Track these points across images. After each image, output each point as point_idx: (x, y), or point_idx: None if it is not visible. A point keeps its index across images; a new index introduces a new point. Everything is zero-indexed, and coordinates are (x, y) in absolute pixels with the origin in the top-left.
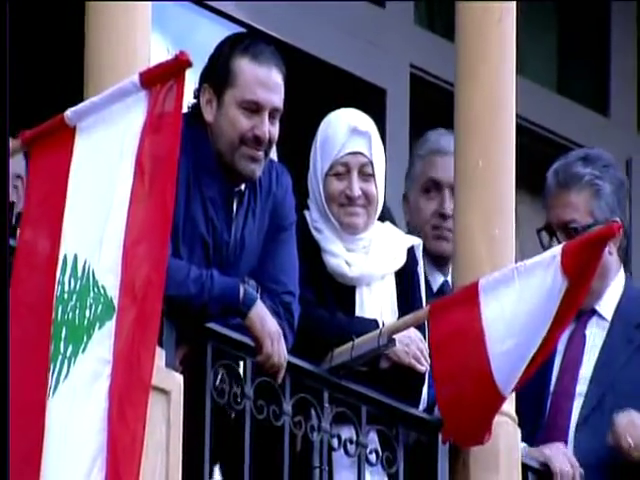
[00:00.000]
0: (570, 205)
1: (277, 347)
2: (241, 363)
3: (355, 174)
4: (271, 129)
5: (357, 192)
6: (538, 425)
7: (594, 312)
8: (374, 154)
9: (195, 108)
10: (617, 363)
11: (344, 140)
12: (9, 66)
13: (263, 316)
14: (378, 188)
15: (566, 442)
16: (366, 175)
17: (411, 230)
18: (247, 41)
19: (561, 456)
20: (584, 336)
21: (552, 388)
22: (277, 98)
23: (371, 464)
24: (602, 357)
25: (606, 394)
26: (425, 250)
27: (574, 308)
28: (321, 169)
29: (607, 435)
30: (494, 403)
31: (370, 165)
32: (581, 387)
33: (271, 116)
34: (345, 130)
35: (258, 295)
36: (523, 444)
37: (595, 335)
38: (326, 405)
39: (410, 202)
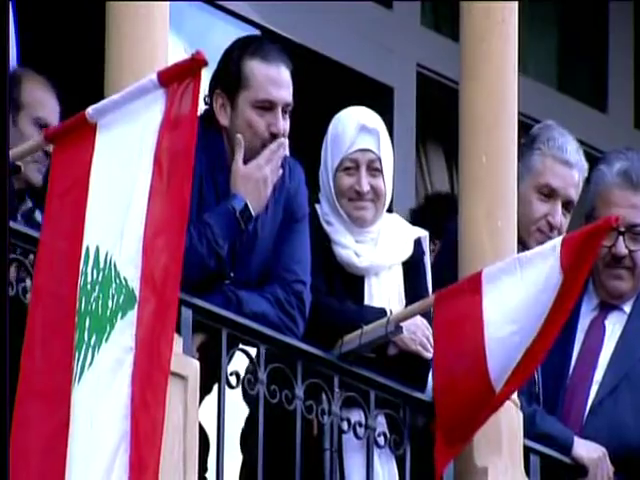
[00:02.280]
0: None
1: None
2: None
3: (364, 170)
4: (284, 124)
5: (366, 187)
6: (555, 409)
7: (615, 305)
8: (382, 151)
9: (207, 113)
10: (634, 353)
11: (353, 137)
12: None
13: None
14: (386, 183)
15: (580, 426)
16: (374, 171)
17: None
18: (255, 43)
19: (602, 465)
20: (604, 326)
21: (570, 374)
22: (288, 94)
23: (379, 446)
24: (619, 347)
25: (620, 383)
26: (525, 247)
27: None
28: (331, 165)
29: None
30: (486, 396)
31: (378, 161)
32: (598, 374)
33: (283, 111)
34: (354, 128)
35: (247, 203)
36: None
37: (614, 326)
38: (336, 390)
39: (520, 192)
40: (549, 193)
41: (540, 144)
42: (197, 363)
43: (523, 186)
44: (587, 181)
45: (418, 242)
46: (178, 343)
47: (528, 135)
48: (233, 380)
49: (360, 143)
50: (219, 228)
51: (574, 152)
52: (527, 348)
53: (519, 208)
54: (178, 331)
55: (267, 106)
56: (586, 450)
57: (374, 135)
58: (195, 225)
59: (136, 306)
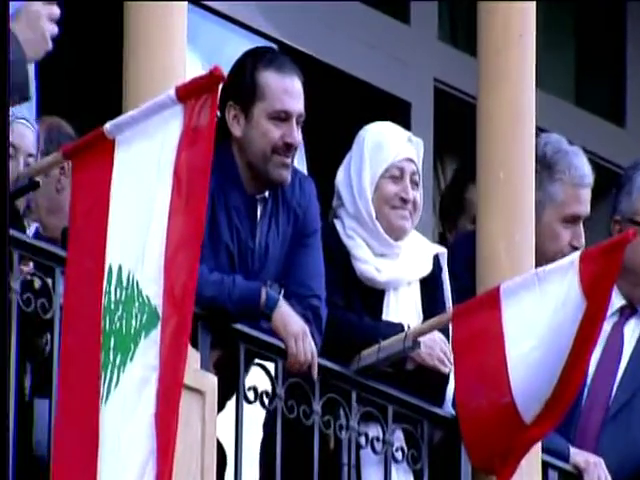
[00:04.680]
0: None
1: (302, 345)
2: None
3: (408, 179)
4: (297, 135)
5: (412, 195)
6: (573, 417)
7: (635, 310)
8: (419, 165)
9: (217, 124)
10: None
11: (400, 146)
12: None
13: (285, 317)
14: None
15: (598, 437)
16: (414, 183)
17: (538, 245)
18: (268, 55)
19: (599, 469)
20: (622, 332)
21: (589, 382)
22: (301, 105)
23: (397, 461)
24: (635, 354)
25: (637, 392)
26: None
27: (597, 327)
28: (373, 173)
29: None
30: (509, 415)
31: (418, 174)
32: (617, 382)
33: (296, 122)
34: (401, 137)
35: (280, 297)
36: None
37: (633, 331)
38: (354, 405)
39: (544, 222)
40: (573, 220)
41: (561, 174)
42: (215, 378)
43: (546, 216)
44: (618, 186)
45: (436, 258)
46: (195, 358)
47: (544, 161)
48: (251, 395)
49: (407, 152)
50: (237, 297)
51: (590, 170)
52: (557, 381)
53: (542, 239)
54: (195, 346)
55: (282, 117)
56: (583, 457)
57: (417, 148)
58: (218, 269)
59: (159, 325)
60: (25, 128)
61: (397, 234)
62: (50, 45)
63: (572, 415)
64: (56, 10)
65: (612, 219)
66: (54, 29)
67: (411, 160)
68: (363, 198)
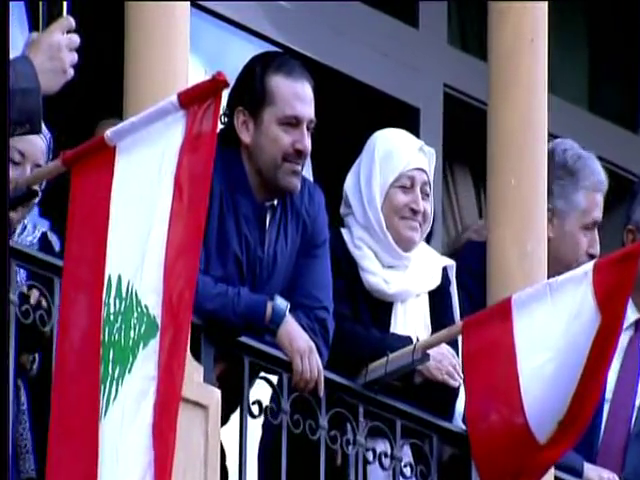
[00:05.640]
0: None
1: (307, 363)
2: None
3: (418, 189)
4: (308, 141)
5: (422, 206)
6: (593, 434)
7: None
8: (431, 175)
9: (224, 131)
10: None
11: (412, 155)
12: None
13: (291, 333)
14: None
15: (624, 456)
16: (424, 194)
17: (555, 253)
18: (278, 59)
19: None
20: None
21: (610, 400)
22: (312, 110)
23: (405, 477)
24: None
25: None
26: None
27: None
28: (382, 181)
29: None
30: (522, 434)
31: (429, 185)
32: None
33: (307, 128)
34: (412, 146)
35: (287, 311)
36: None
37: None
38: (361, 419)
39: (566, 230)
40: (592, 226)
41: (585, 181)
42: (218, 392)
43: (569, 224)
44: (632, 194)
45: (445, 270)
46: (198, 371)
47: (566, 168)
48: (255, 409)
49: (418, 162)
50: (242, 310)
51: (605, 175)
52: (571, 399)
53: (563, 248)
54: (198, 359)
55: (293, 122)
56: (597, 472)
57: (429, 157)
58: (231, 285)
59: (158, 334)
60: (36, 137)
61: (406, 245)
62: (70, 75)
63: (592, 433)
64: (76, 39)
65: (625, 228)
66: (74, 58)
67: (422, 170)
68: (372, 207)
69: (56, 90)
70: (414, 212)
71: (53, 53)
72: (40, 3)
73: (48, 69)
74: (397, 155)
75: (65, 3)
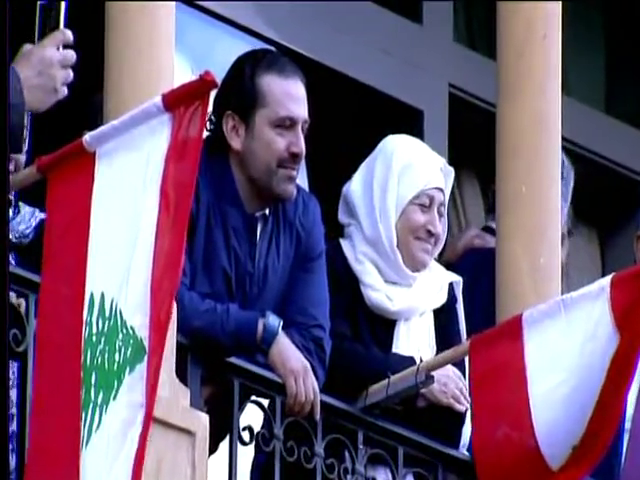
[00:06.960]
0: None
1: (302, 384)
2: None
3: (435, 210)
4: (303, 143)
5: (439, 229)
6: (612, 458)
7: None
8: (446, 196)
9: (211, 137)
10: None
11: (432, 173)
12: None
13: (284, 352)
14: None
15: None
16: (440, 216)
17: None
18: (268, 57)
19: None
20: None
21: (633, 417)
22: (306, 110)
23: None
24: None
25: None
26: None
27: (633, 358)
28: (401, 196)
29: None
30: (534, 461)
31: (444, 206)
32: None
33: (301, 129)
34: (435, 163)
35: (279, 329)
36: None
37: None
38: (360, 446)
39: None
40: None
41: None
42: (206, 417)
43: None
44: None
45: (451, 287)
46: (185, 395)
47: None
48: (246, 436)
49: (439, 181)
50: (231, 329)
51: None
52: (587, 423)
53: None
54: (184, 382)
55: (287, 124)
56: None
57: (449, 178)
58: (219, 302)
59: (145, 358)
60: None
61: (416, 267)
62: (62, 94)
63: (611, 457)
64: (72, 55)
65: (636, 235)
66: (69, 76)
67: (441, 190)
68: (385, 222)
69: (45, 109)
70: (430, 234)
71: (43, 69)
72: (36, 10)
73: (36, 85)
74: (418, 171)
75: (63, 8)
